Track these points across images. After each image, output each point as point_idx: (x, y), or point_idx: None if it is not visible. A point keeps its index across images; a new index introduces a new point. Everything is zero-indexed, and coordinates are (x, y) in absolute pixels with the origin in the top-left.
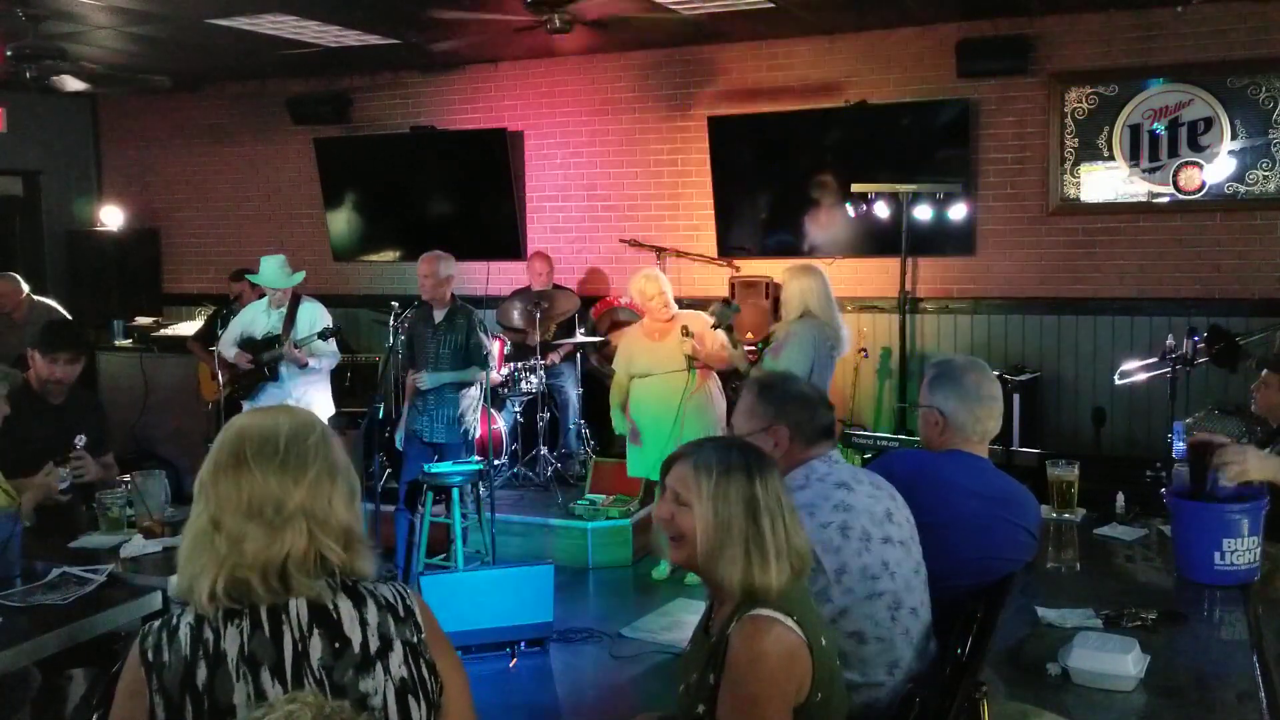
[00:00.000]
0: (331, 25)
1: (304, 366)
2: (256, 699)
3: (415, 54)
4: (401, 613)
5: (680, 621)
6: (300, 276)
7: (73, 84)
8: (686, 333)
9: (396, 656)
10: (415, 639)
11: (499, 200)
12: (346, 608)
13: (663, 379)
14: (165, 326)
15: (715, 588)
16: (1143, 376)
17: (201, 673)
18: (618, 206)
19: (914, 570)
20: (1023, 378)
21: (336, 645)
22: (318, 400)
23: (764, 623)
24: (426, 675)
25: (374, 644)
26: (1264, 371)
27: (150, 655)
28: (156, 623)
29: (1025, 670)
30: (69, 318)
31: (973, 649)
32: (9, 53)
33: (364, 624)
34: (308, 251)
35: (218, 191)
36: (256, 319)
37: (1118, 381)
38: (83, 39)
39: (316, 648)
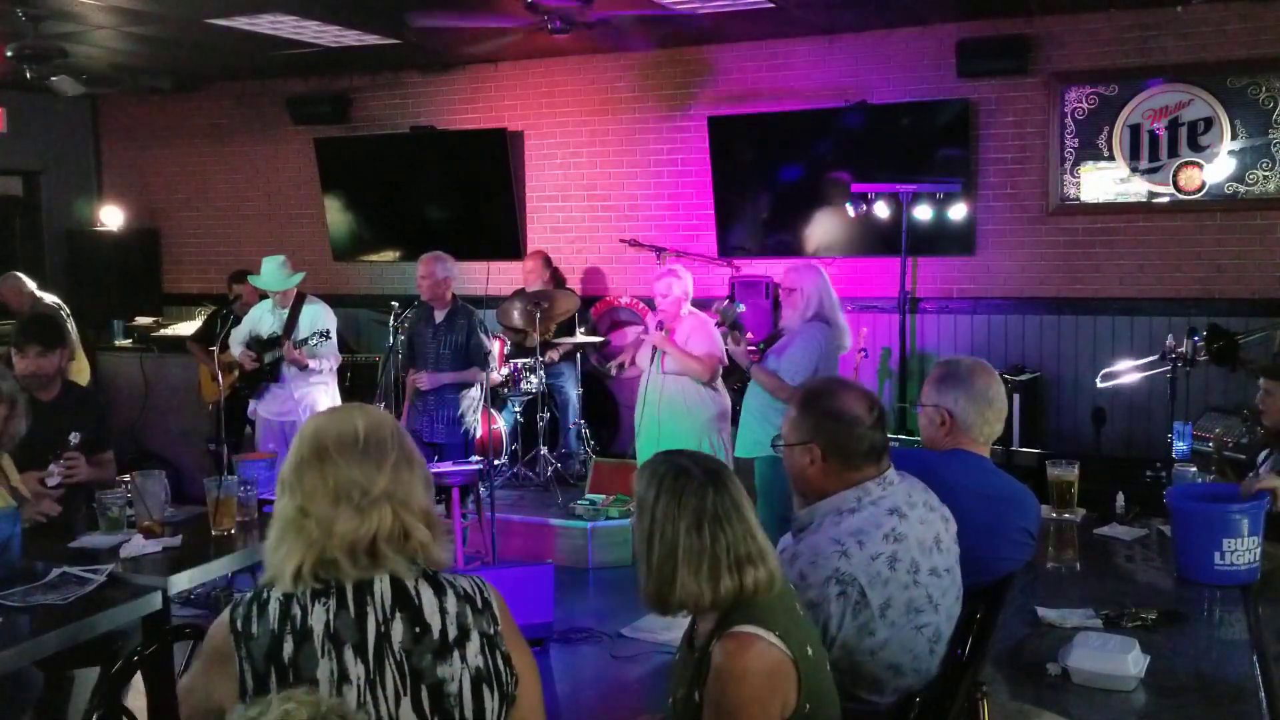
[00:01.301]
0: (331, 25)
1: (304, 368)
2: (339, 676)
3: (415, 54)
4: (479, 604)
5: (680, 622)
6: (299, 277)
7: (72, 88)
8: (660, 326)
9: (473, 646)
10: (492, 630)
11: (499, 200)
12: (428, 595)
13: (647, 375)
14: (165, 326)
15: (658, 609)
16: (1132, 378)
17: (288, 647)
18: (618, 206)
19: (955, 599)
20: (1023, 378)
21: (417, 630)
22: (322, 401)
23: (745, 639)
24: (501, 666)
25: (452, 632)
26: (1263, 380)
27: (240, 625)
28: (247, 595)
29: (1025, 670)
30: (65, 315)
31: (973, 649)
32: (9, 53)
33: (444, 612)
34: (308, 251)
35: (218, 191)
36: (263, 318)
37: (1100, 384)
38: (83, 39)
39: (398, 631)
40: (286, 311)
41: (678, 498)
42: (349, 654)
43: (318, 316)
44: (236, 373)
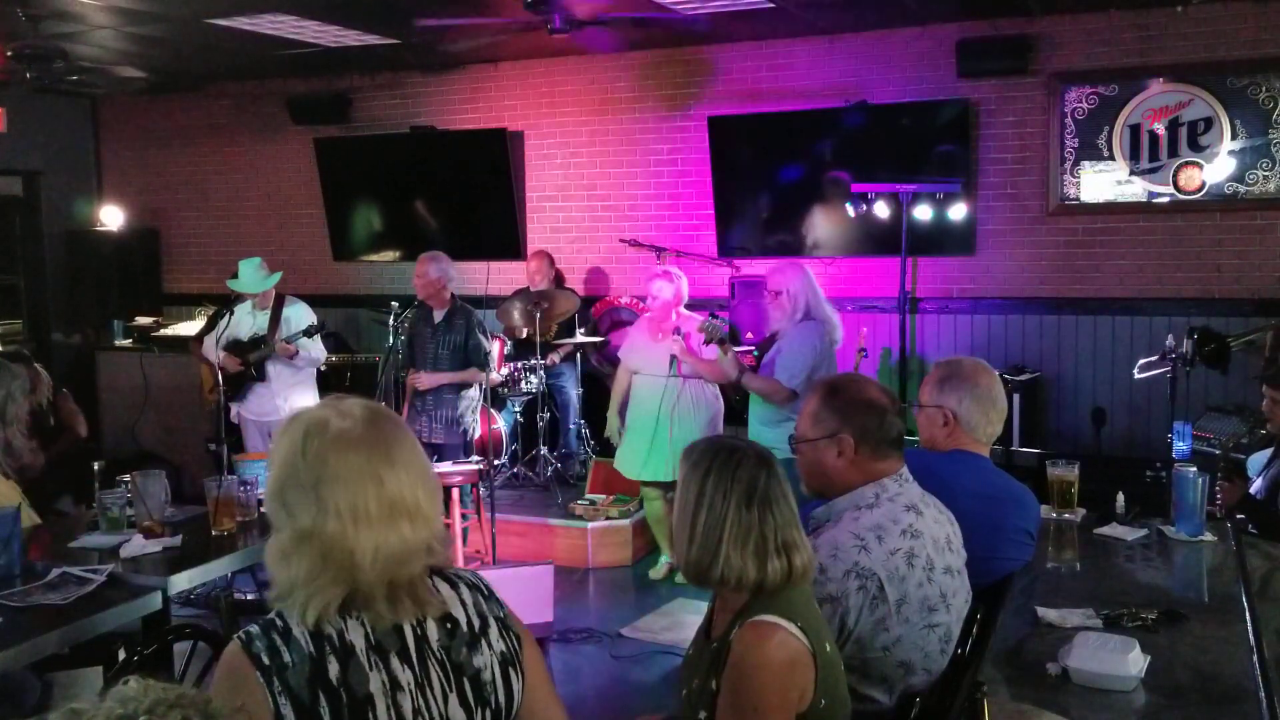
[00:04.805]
0: (331, 25)
1: (293, 357)
2: (392, 685)
3: (415, 54)
4: (485, 591)
5: (680, 621)
6: (277, 278)
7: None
8: (677, 331)
9: (494, 631)
10: (502, 614)
11: (499, 200)
12: (446, 590)
13: (652, 379)
14: (165, 326)
15: (696, 580)
16: (1161, 370)
17: (333, 668)
18: (618, 206)
19: (965, 600)
20: (1023, 378)
21: (449, 626)
22: (305, 402)
23: (766, 629)
24: (517, 647)
25: (476, 622)
26: (1266, 388)
27: (266, 659)
28: (254, 628)
29: (1025, 670)
30: None
31: (973, 649)
32: (9, 53)
33: (463, 603)
34: (308, 251)
35: (218, 191)
36: (241, 320)
37: (1137, 376)
38: (83, 39)
39: (432, 630)
40: (267, 313)
41: (731, 472)
42: (395, 662)
43: (301, 314)
44: (218, 378)
